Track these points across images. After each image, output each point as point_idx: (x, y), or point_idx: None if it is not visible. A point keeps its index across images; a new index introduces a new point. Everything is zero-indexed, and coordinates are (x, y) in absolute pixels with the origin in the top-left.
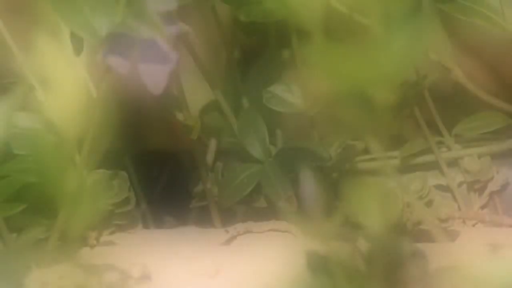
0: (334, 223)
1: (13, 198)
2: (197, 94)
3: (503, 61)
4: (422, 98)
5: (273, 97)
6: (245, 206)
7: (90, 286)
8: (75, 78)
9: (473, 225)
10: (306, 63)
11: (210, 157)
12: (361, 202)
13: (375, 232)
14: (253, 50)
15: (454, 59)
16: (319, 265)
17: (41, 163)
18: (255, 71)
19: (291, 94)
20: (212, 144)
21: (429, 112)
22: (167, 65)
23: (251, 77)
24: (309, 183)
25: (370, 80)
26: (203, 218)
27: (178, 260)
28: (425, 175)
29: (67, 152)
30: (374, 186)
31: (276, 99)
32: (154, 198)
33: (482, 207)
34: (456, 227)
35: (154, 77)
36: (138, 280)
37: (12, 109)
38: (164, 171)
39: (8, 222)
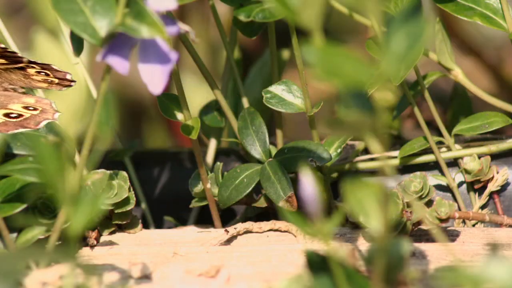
0: (334, 223)
1: (13, 198)
2: (197, 94)
3: (503, 61)
4: (422, 98)
5: (273, 97)
6: (245, 206)
7: (90, 286)
8: (75, 78)
9: (473, 225)
10: (306, 63)
11: (210, 157)
12: (361, 202)
13: (375, 232)
14: (253, 50)
15: (454, 59)
16: (319, 265)
17: (41, 163)
18: (255, 71)
19: (291, 94)
20: (212, 144)
21: (429, 112)
22: (167, 65)
23: (251, 77)
24: (309, 183)
25: (370, 80)
26: (203, 218)
27: (178, 260)
28: (425, 175)
29: (67, 152)
30: (374, 186)
31: (276, 99)
32: (154, 198)
33: (482, 207)
34: (456, 227)
35: (154, 77)
36: (138, 280)
37: None
38: (164, 171)
39: (8, 222)
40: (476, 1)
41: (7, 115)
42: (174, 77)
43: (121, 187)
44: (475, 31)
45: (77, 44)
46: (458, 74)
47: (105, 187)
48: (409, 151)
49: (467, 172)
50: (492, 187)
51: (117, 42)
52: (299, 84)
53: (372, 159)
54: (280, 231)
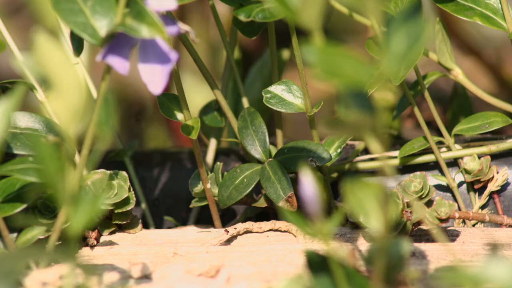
0: (334, 223)
1: (13, 198)
2: (197, 94)
3: (503, 61)
4: (422, 98)
5: (273, 97)
6: (245, 206)
7: (90, 286)
8: (75, 78)
9: (473, 225)
10: (306, 63)
11: (210, 157)
12: (361, 202)
13: (375, 232)
14: (253, 50)
15: (454, 59)
16: (319, 265)
17: (41, 163)
18: (255, 71)
19: (291, 94)
20: (212, 144)
21: (429, 112)
22: (167, 65)
23: (251, 77)
24: (309, 183)
25: (370, 80)
26: (203, 218)
27: (178, 260)
28: (425, 175)
29: (67, 152)
30: (374, 186)
31: (276, 99)
32: (154, 198)
33: (482, 207)
34: (456, 227)
35: (154, 77)
36: (138, 280)
37: (12, 109)
38: (164, 171)
39: (8, 222)
40: (476, 1)
41: None
42: (174, 77)
43: (121, 187)
44: (475, 31)
45: (77, 44)
46: (458, 74)
47: (105, 187)
48: (409, 151)
49: (467, 172)
50: (492, 187)
51: (117, 42)
52: (299, 84)
53: (372, 159)
54: (280, 231)
